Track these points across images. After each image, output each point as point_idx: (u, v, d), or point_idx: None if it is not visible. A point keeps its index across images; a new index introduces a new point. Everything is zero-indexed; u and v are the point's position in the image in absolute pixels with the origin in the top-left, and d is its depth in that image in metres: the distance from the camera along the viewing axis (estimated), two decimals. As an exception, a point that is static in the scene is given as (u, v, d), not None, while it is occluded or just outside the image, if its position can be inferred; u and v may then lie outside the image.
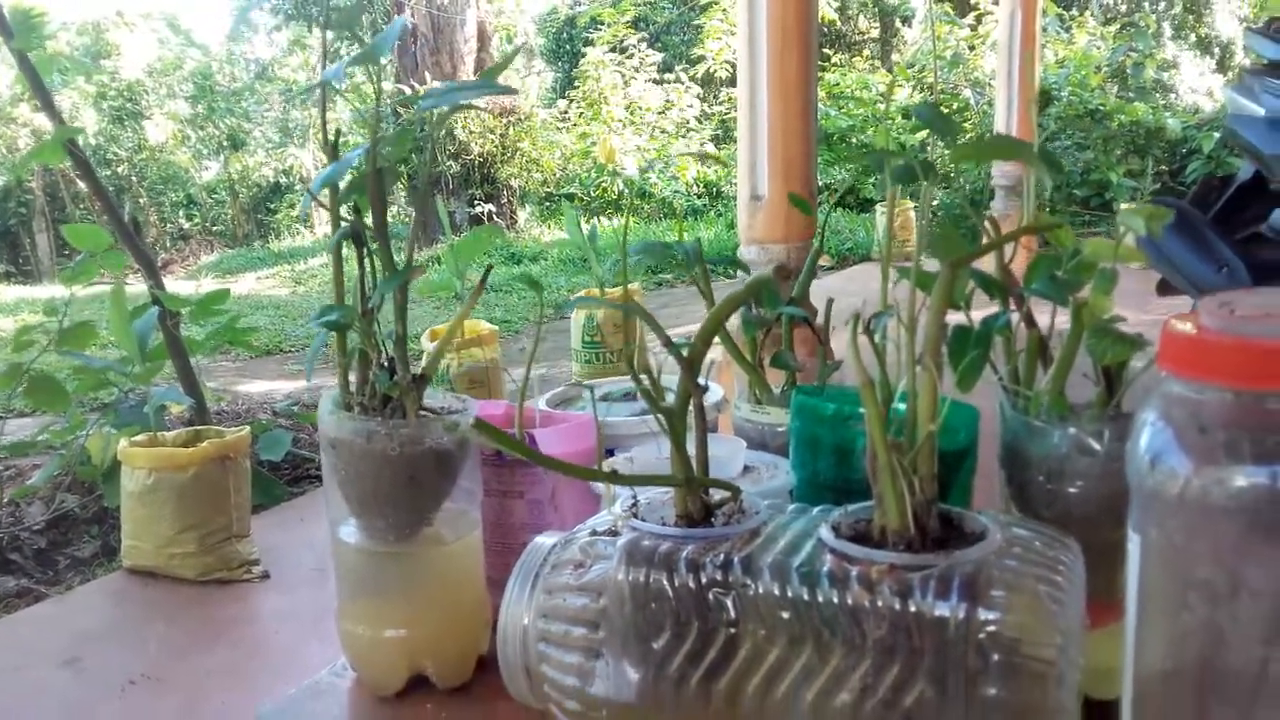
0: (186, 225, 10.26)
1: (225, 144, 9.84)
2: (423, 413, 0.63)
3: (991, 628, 0.45)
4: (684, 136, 8.53)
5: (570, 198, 7.81)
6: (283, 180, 10.48)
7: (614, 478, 0.54)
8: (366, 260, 0.61)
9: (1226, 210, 2.22)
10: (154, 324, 2.07)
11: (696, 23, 8.87)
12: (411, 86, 7.56)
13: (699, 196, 7.86)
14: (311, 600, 0.96)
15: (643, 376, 0.53)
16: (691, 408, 0.53)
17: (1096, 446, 0.57)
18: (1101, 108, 6.87)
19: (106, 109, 9.45)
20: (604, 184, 7.76)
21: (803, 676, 0.48)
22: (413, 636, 0.64)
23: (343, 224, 0.60)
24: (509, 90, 0.53)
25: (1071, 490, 0.59)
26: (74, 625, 1.00)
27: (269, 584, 1.25)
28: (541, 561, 0.57)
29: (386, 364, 0.63)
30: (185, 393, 2.28)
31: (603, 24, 8.87)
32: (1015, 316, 0.62)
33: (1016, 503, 0.61)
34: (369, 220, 0.60)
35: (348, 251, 0.61)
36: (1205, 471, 0.43)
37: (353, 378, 0.63)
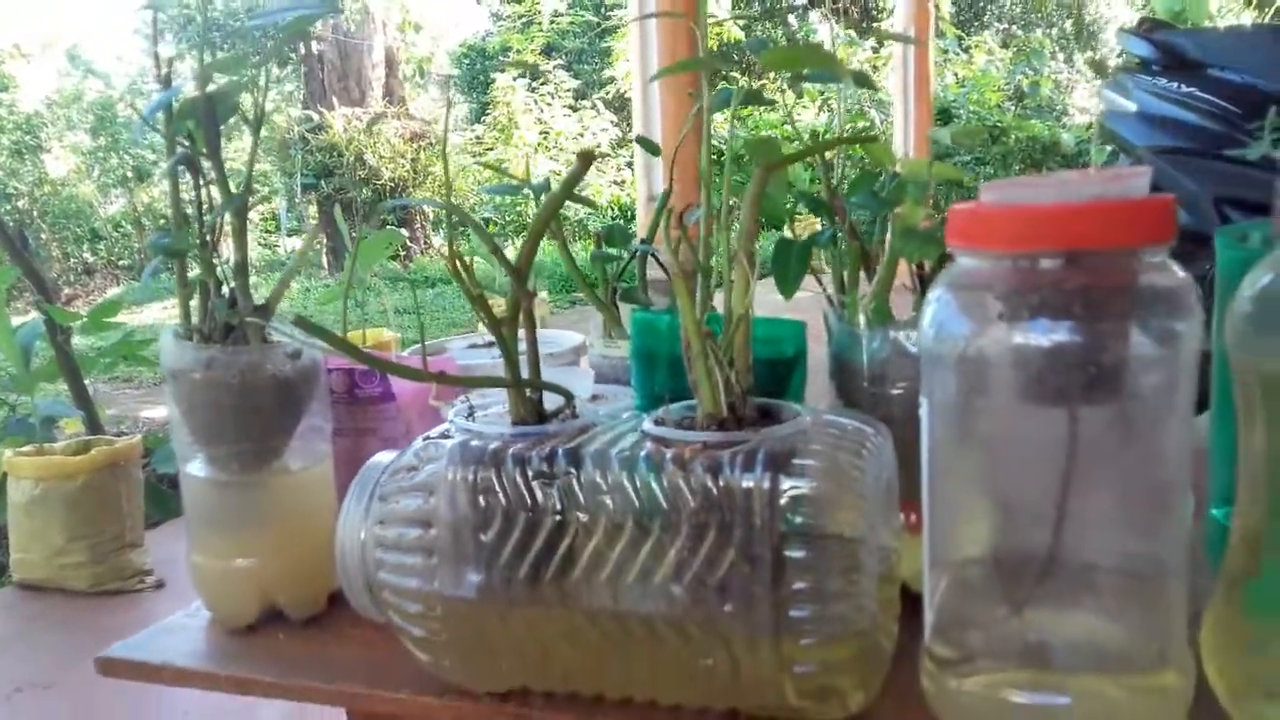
0: (91, 259, 9.99)
1: (129, 176, 9.63)
2: (266, 342, 0.63)
3: (794, 493, 0.47)
4: (599, 162, 8.59)
5: (486, 221, 7.81)
6: (189, 211, 10.27)
7: (441, 378, 0.55)
8: (203, 190, 0.62)
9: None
10: (39, 333, 2.02)
11: (605, 46, 8.97)
12: (319, 112, 7.51)
13: (615, 218, 7.93)
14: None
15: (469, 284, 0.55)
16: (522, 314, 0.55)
17: (913, 349, 0.60)
18: (999, 125, 7.10)
19: (5, 143, 9.20)
20: (518, 208, 7.78)
21: (625, 558, 0.50)
22: (263, 567, 0.65)
23: (179, 150, 0.60)
24: (339, 11, 0.54)
25: (894, 392, 0.61)
26: None
27: (164, 593, 1.23)
28: (378, 475, 0.58)
29: (227, 294, 0.63)
30: (77, 408, 2.22)
31: (513, 50, 8.92)
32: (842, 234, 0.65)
33: (846, 409, 0.64)
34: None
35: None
36: (984, 332, 0.46)
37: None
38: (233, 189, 0.61)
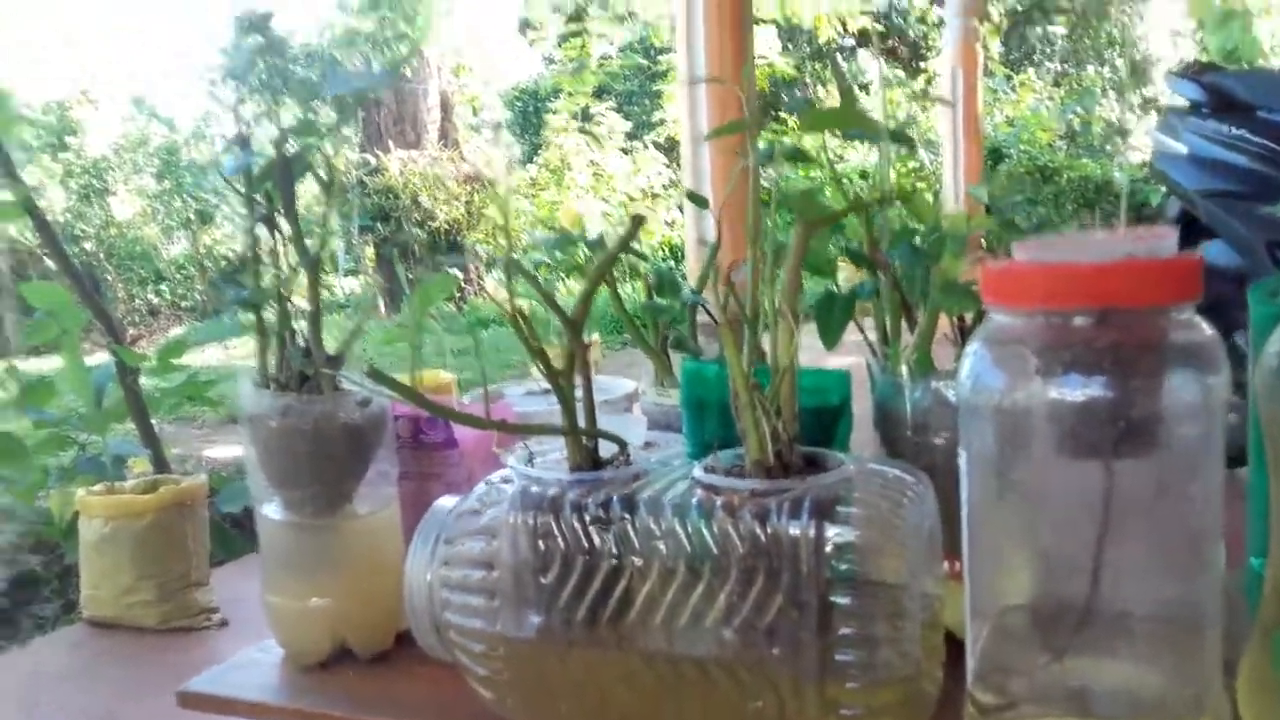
0: (154, 300, 10.25)
1: (193, 219, 9.89)
2: (338, 390, 0.67)
3: (839, 541, 0.49)
4: (650, 201, 8.67)
5: (538, 265, 7.89)
6: (249, 253, 10.54)
7: (503, 426, 0.59)
8: (280, 246, 0.66)
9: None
10: (111, 375, 2.09)
11: (656, 89, 9.08)
12: (375, 155, 7.67)
13: (665, 260, 7.98)
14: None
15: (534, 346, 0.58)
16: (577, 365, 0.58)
17: (954, 398, 0.62)
18: (1051, 164, 7.06)
19: (73, 187, 9.49)
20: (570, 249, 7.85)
21: (677, 601, 0.53)
22: (334, 606, 0.68)
23: (257, 209, 0.65)
24: (406, 79, 0.58)
25: (937, 442, 0.63)
26: (33, 673, 1.02)
27: (228, 631, 1.27)
28: (444, 518, 0.61)
29: (302, 344, 0.67)
30: (144, 446, 2.29)
31: (565, 93, 9.06)
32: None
33: (890, 458, 0.66)
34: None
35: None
36: (1019, 386, 0.48)
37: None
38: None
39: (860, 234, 0.67)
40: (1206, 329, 0.47)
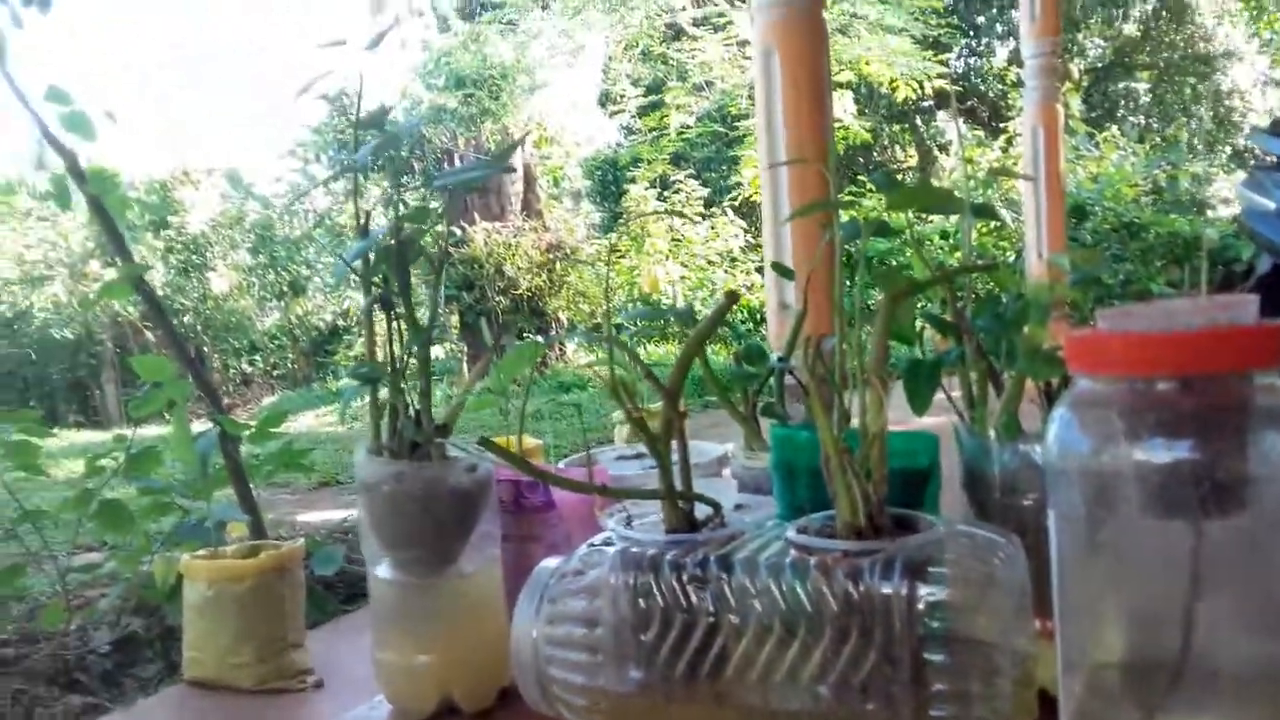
0: (249, 370, 10.61)
1: (286, 290, 10.24)
2: (446, 458, 0.71)
3: (932, 600, 0.51)
4: (728, 266, 8.74)
5: (618, 328, 7.98)
6: (340, 323, 10.87)
7: (600, 490, 0.62)
8: (394, 324, 0.71)
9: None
10: (214, 443, 2.18)
11: (733, 154, 9.19)
12: (461, 228, 7.88)
13: (743, 322, 8.01)
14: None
15: (630, 408, 0.61)
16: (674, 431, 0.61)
17: (1041, 461, 0.64)
18: (1137, 220, 6.95)
19: (173, 262, 9.92)
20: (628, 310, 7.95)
21: (773, 658, 0.55)
22: (440, 663, 0.71)
23: (374, 291, 0.69)
24: (511, 169, 0.62)
25: (1025, 503, 0.65)
26: None
27: (322, 693, 1.31)
28: (547, 578, 0.64)
29: (413, 415, 0.71)
30: (244, 512, 2.38)
31: (644, 162, 9.23)
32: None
33: (979, 519, 0.68)
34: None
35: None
36: (1105, 449, 0.50)
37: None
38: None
39: (943, 299, 0.69)
40: (1290, 392, 0.48)
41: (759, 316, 8.10)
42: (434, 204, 0.76)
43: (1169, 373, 0.48)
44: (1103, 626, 0.53)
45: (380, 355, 0.73)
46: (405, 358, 0.70)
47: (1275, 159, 2.39)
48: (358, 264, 0.69)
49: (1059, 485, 0.52)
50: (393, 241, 0.69)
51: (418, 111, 8.04)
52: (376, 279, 0.70)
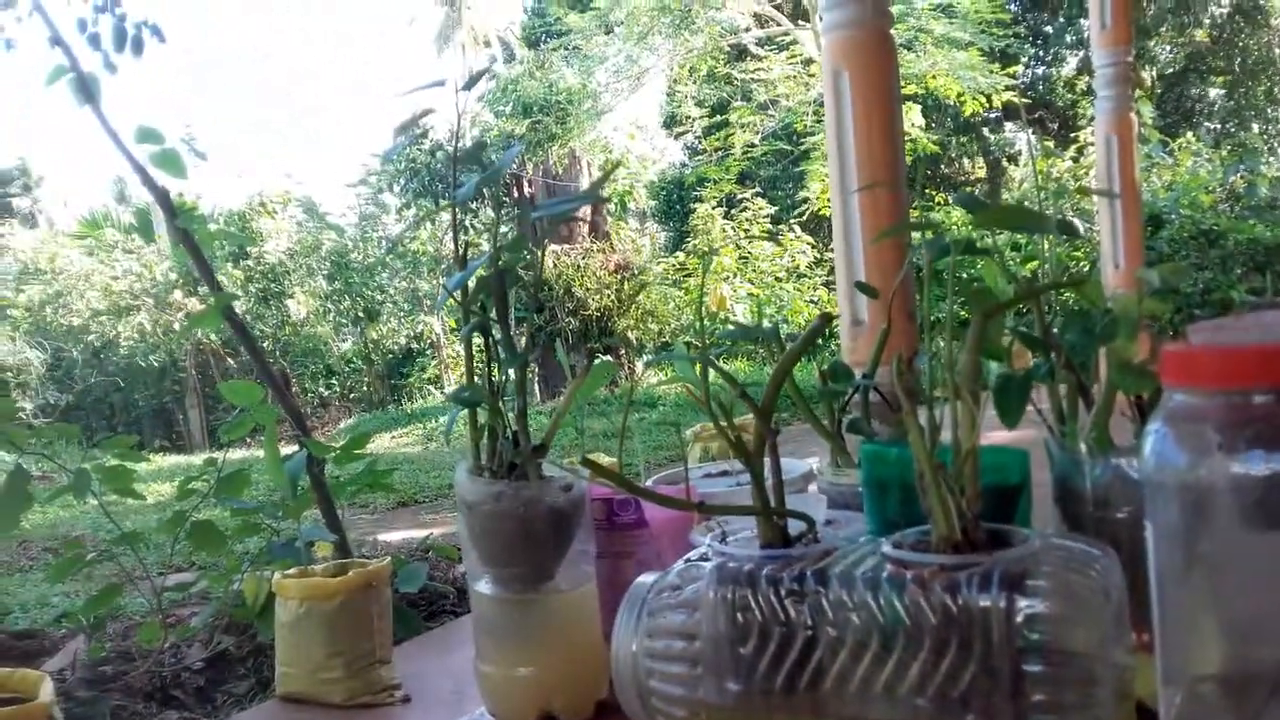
0: (326, 393, 10.84)
1: (361, 316, 10.46)
2: (543, 477, 0.73)
3: (1030, 613, 0.52)
4: (796, 282, 8.73)
5: (687, 345, 8.01)
6: (414, 346, 11.07)
7: (699, 506, 0.63)
8: (492, 348, 0.73)
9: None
10: (303, 465, 2.24)
11: (799, 170, 9.18)
12: (531, 251, 7.99)
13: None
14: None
15: (724, 424, 0.63)
16: (767, 447, 0.63)
17: (1135, 474, 0.64)
18: (1215, 228, 6.79)
19: (253, 291, 10.19)
20: (716, 330, 7.97)
21: (871, 671, 0.56)
22: (540, 674, 0.73)
23: (473, 318, 0.72)
24: (604, 199, 0.65)
25: (1119, 516, 0.65)
26: None
27: (410, 707, 1.34)
28: (645, 593, 0.66)
29: (511, 436, 0.74)
30: (330, 531, 2.44)
31: (710, 181, 9.26)
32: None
33: (1072, 533, 0.68)
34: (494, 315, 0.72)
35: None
36: (1202, 462, 0.50)
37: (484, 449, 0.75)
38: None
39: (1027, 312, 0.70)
40: (1388, 402, 0.48)
41: (830, 332, 8.07)
42: (520, 231, 0.78)
43: (1265, 385, 0.48)
44: (1202, 639, 0.53)
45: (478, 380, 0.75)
46: (503, 381, 0.73)
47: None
48: (459, 293, 0.72)
49: (1156, 499, 0.52)
50: (492, 270, 0.72)
51: (489, 138, 8.18)
52: (475, 307, 0.73)
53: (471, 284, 0.73)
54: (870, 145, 1.43)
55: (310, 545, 2.21)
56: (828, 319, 0.59)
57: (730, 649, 0.59)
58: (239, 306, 9.65)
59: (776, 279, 8.73)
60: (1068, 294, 0.77)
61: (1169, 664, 0.53)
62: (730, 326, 0.81)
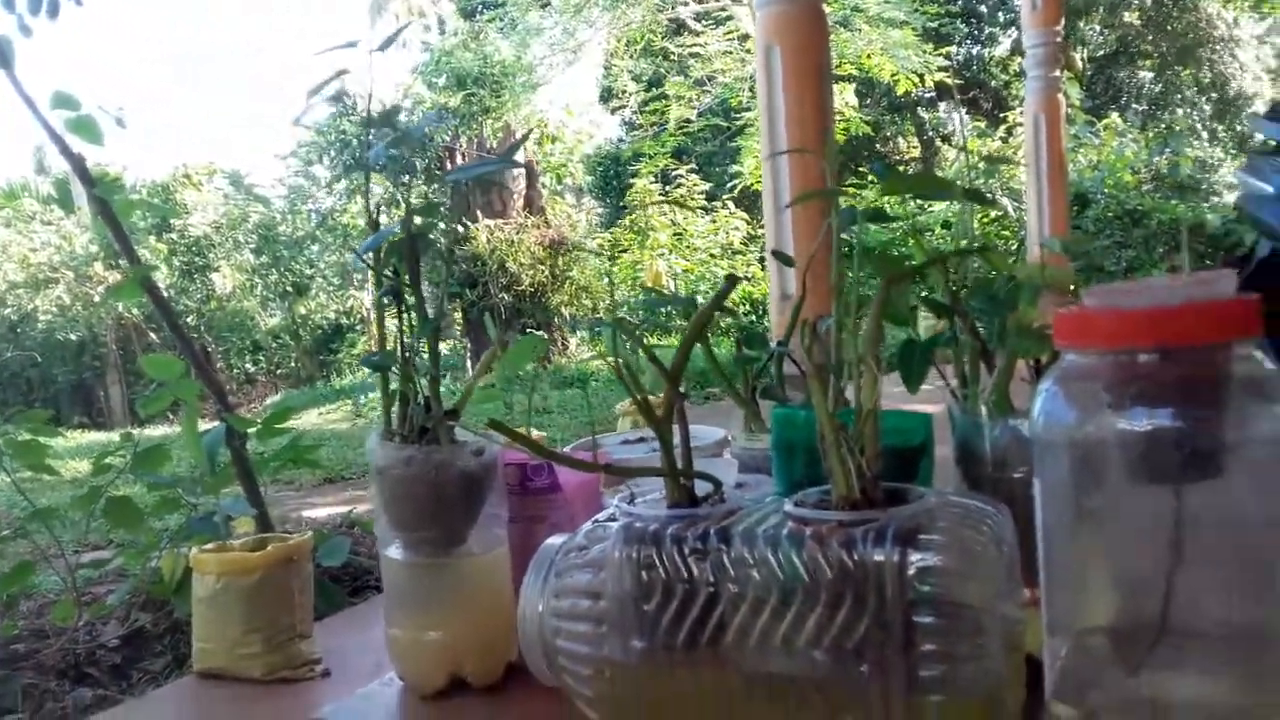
0: (252, 369, 10.65)
1: (289, 290, 10.28)
2: (455, 442, 0.73)
3: (922, 566, 0.53)
4: (729, 258, 8.76)
5: (620, 322, 8.00)
6: (344, 321, 10.92)
7: (605, 468, 0.64)
8: (405, 314, 0.73)
9: (1247, 287, 2.29)
10: (222, 439, 2.21)
11: (734, 145, 9.21)
12: (464, 225, 7.91)
13: (746, 314, 8.03)
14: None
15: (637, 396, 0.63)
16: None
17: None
18: (1140, 208, 6.97)
19: (177, 264, 9.96)
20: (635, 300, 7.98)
21: (771, 625, 0.57)
22: (450, 638, 0.74)
23: (385, 283, 0.72)
24: (518, 164, 0.64)
25: (1016, 476, 0.67)
26: None
27: (330, 681, 1.34)
28: (553, 554, 0.67)
29: (424, 401, 0.73)
30: (251, 507, 2.40)
31: (645, 156, 9.25)
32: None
33: (970, 491, 0.70)
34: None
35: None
36: (1089, 419, 0.52)
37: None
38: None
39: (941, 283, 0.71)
40: (1268, 363, 0.50)
41: (761, 308, 8.12)
42: (442, 199, 0.78)
43: (1150, 345, 0.50)
44: (1088, 592, 0.55)
45: (391, 346, 0.75)
46: (415, 346, 0.73)
47: (1275, 144, 2.40)
48: (369, 257, 0.72)
49: (1045, 456, 0.54)
50: (404, 235, 0.71)
51: (420, 111, 8.07)
52: (387, 272, 0.72)
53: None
54: (801, 118, 1.45)
55: (229, 520, 2.18)
56: (734, 280, 0.60)
57: (635, 607, 0.60)
58: (162, 280, 9.43)
59: (711, 255, 8.76)
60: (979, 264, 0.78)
61: (1055, 615, 0.55)
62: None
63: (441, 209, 0.69)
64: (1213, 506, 0.51)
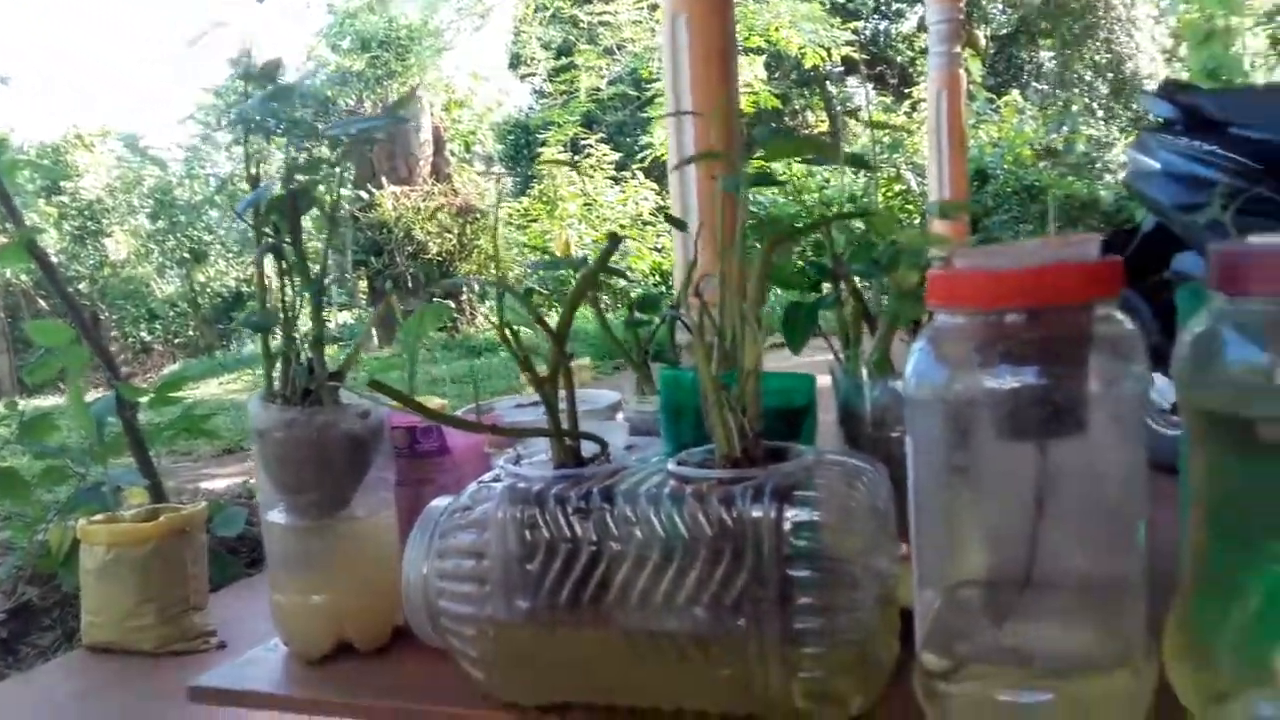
0: (148, 338, 10.31)
1: (187, 256, 9.97)
2: (338, 404, 0.72)
3: (797, 521, 0.54)
4: (639, 229, 8.76)
5: (529, 291, 7.96)
6: (244, 289, 10.63)
7: (490, 429, 0.63)
8: (287, 274, 0.71)
9: (1133, 259, 2.38)
10: (111, 408, 2.14)
11: (644, 115, 9.19)
12: (369, 191, 7.76)
13: (655, 285, 8.06)
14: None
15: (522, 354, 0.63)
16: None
17: (907, 394, 0.67)
18: (1037, 183, 7.16)
19: (67, 229, 9.57)
20: (560, 276, 7.94)
21: (652, 582, 0.57)
22: (334, 602, 0.73)
23: (265, 240, 0.70)
24: (404, 120, 0.63)
25: (894, 435, 0.69)
26: (38, 698, 1.05)
27: (224, 653, 1.31)
28: (438, 515, 0.66)
29: (306, 363, 0.72)
30: (143, 478, 2.33)
31: (555, 125, 9.18)
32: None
33: (851, 451, 0.71)
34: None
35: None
36: (958, 378, 0.53)
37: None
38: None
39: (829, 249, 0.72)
40: (1127, 324, 0.52)
41: (670, 279, 8.15)
42: (331, 157, 0.76)
43: (1016, 305, 0.51)
44: (958, 546, 0.57)
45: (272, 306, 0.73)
46: (297, 306, 0.71)
47: (1161, 120, 2.48)
48: (249, 215, 0.70)
49: (916, 414, 0.55)
50: (283, 191, 0.69)
51: (323, 74, 7.87)
52: (267, 230, 0.71)
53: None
54: (706, 87, 1.45)
55: (119, 491, 2.12)
56: (617, 239, 0.60)
57: (518, 566, 0.60)
58: (52, 245, 9.06)
59: (621, 225, 8.75)
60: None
61: (924, 567, 0.56)
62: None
63: (328, 166, 0.67)
64: (1074, 462, 0.53)
